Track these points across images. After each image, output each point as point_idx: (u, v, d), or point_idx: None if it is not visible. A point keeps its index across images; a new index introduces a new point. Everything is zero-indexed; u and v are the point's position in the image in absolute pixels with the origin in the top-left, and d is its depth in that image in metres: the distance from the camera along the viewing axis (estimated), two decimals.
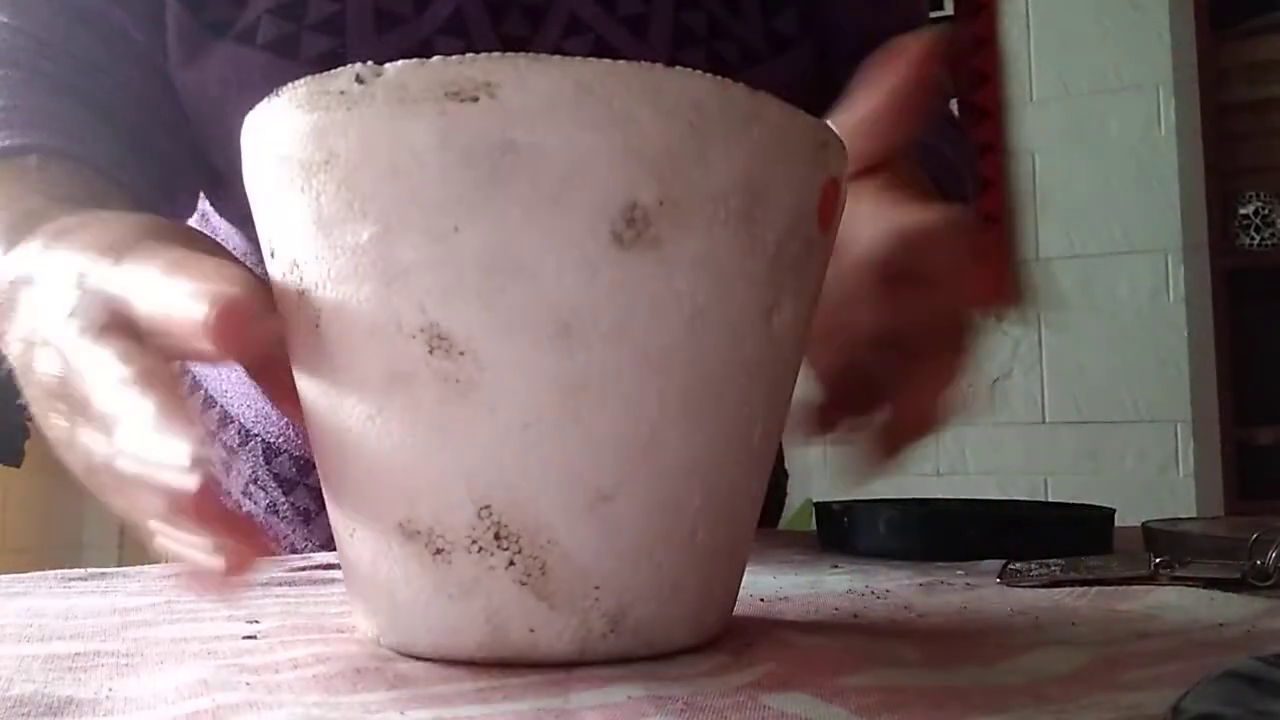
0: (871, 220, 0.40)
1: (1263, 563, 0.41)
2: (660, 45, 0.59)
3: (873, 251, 0.39)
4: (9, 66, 0.55)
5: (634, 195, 0.26)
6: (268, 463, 0.65)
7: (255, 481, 0.65)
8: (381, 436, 0.27)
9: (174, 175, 0.58)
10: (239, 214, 0.62)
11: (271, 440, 0.64)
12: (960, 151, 0.68)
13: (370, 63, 0.26)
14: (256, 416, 0.65)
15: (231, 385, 0.66)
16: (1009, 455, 2.22)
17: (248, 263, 0.47)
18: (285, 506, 0.65)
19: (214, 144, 0.59)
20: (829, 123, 0.35)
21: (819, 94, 0.47)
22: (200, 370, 0.68)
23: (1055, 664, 0.28)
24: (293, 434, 0.64)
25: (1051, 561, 0.45)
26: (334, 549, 0.31)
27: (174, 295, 0.28)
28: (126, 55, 0.57)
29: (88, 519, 3.16)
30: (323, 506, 0.64)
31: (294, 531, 0.65)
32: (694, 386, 0.28)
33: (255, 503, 0.66)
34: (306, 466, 0.64)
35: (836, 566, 0.50)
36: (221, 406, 0.67)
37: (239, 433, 0.66)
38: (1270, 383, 2.19)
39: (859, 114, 0.43)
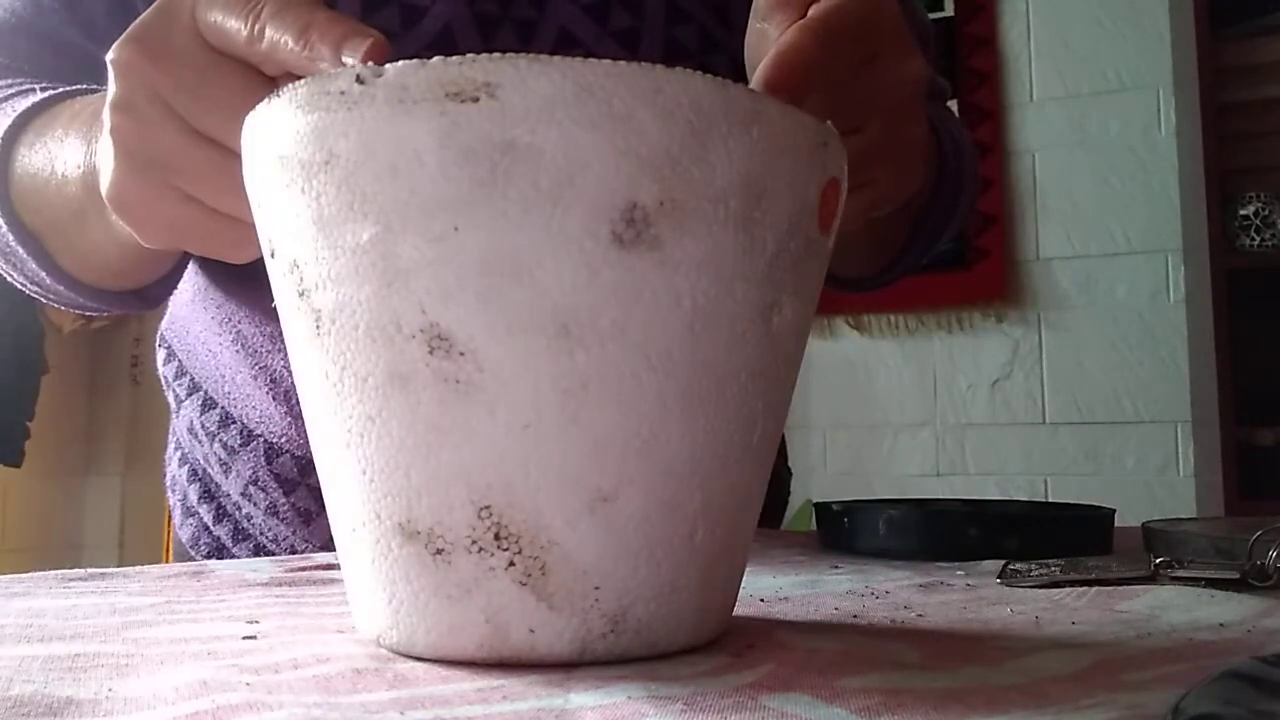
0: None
1: (1263, 563, 0.41)
2: (651, 60, 0.59)
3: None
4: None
5: (634, 195, 0.26)
6: (269, 463, 0.65)
7: (255, 483, 0.65)
8: (381, 436, 0.27)
9: None
10: None
11: (274, 440, 0.64)
12: (966, 149, 0.68)
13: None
14: (260, 417, 0.65)
15: (235, 387, 0.66)
16: (1009, 455, 2.22)
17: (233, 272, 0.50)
18: (285, 507, 0.65)
19: None
20: None
21: None
22: (202, 374, 0.68)
23: (1055, 664, 0.28)
24: (295, 434, 0.64)
25: (1051, 561, 0.45)
26: (334, 549, 0.32)
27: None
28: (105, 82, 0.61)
29: (88, 519, 3.17)
30: (323, 507, 0.64)
31: (294, 533, 0.65)
32: (694, 386, 0.28)
33: (255, 504, 0.66)
34: (308, 467, 0.64)
35: (836, 566, 0.50)
36: (223, 408, 0.67)
37: (240, 433, 0.66)
38: (1270, 383, 2.19)
39: None
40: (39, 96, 0.54)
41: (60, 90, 0.54)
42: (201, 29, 0.37)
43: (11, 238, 0.53)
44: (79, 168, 0.47)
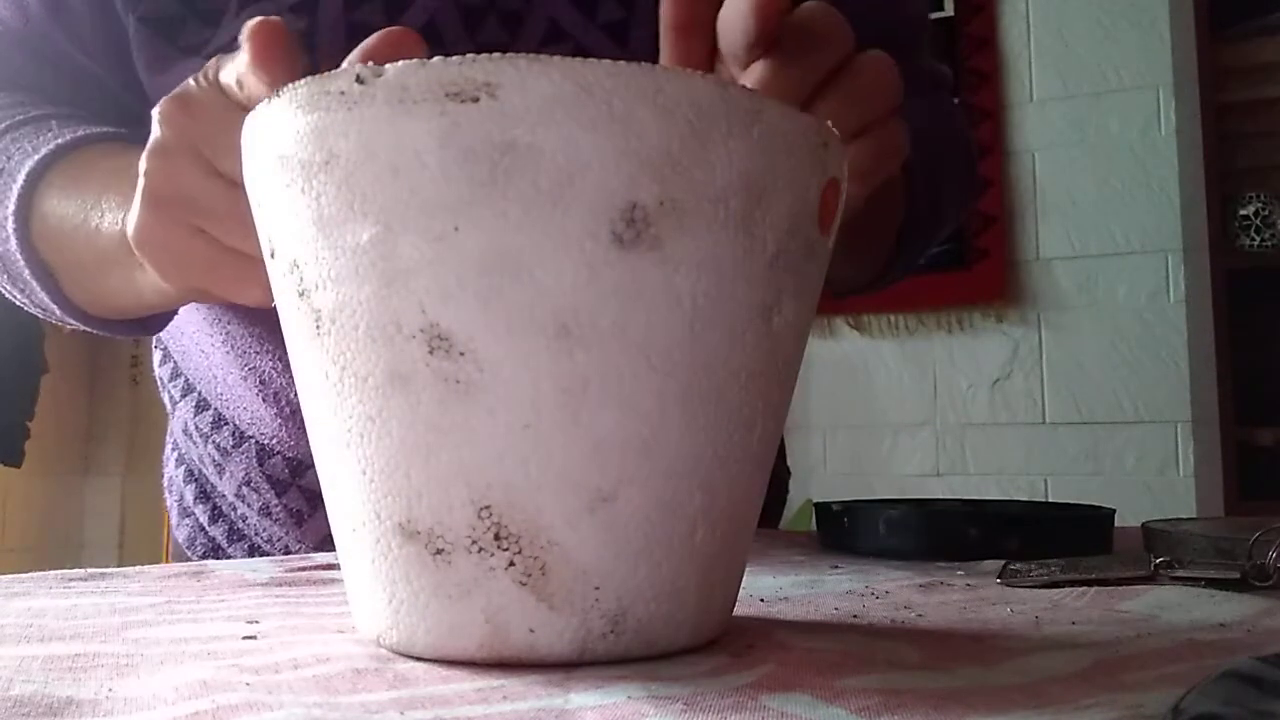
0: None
1: (1263, 563, 0.41)
2: (641, 52, 0.59)
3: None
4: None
5: (634, 195, 0.26)
6: (261, 464, 0.65)
7: (248, 484, 0.65)
8: (381, 436, 0.27)
9: None
10: None
11: (265, 442, 0.64)
12: (957, 144, 0.69)
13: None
14: (251, 419, 0.65)
15: (227, 388, 0.66)
16: (1009, 455, 2.22)
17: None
18: (278, 508, 0.65)
19: None
20: None
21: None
22: (195, 375, 0.68)
23: (1055, 664, 0.28)
24: (286, 435, 0.64)
25: (1051, 561, 0.45)
26: (326, 550, 0.32)
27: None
28: (96, 95, 0.64)
29: (88, 519, 3.17)
30: (315, 508, 0.64)
31: (287, 533, 0.65)
32: (694, 386, 0.28)
33: (248, 505, 0.66)
34: (299, 468, 0.64)
35: (836, 566, 0.50)
36: (216, 409, 0.67)
37: (233, 435, 0.66)
38: (1270, 383, 2.19)
39: None
40: (64, 138, 0.55)
41: (81, 133, 0.55)
42: (221, 85, 0.41)
43: (28, 273, 0.54)
44: (116, 224, 0.49)
